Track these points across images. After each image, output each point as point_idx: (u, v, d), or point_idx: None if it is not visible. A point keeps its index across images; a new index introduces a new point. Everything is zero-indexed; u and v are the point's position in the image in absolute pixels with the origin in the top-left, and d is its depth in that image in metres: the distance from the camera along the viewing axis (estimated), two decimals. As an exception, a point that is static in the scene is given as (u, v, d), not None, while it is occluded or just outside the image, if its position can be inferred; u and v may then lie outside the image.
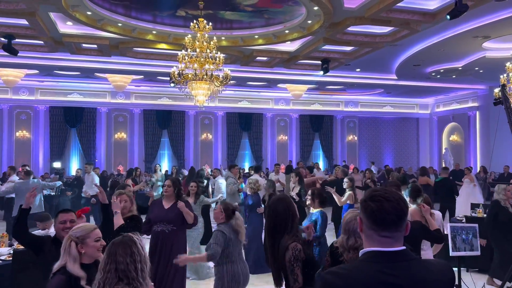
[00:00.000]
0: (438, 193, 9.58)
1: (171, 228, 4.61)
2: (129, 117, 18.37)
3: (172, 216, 4.61)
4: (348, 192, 7.20)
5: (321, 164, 19.95)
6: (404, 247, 1.57)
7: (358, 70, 14.37)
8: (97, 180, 9.91)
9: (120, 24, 10.15)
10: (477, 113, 18.11)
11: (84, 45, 11.50)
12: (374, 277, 1.49)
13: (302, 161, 19.25)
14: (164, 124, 18.46)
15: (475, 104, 18.24)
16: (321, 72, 12.55)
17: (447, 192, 9.50)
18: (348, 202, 7.15)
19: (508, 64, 10.34)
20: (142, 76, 15.24)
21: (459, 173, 13.26)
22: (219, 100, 17.88)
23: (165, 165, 18.07)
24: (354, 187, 7.41)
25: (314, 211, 4.86)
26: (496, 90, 11.12)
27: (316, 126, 20.32)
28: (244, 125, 19.38)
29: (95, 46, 11.48)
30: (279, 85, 16.94)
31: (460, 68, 13.34)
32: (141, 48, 11.92)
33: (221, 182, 9.35)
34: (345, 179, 7.46)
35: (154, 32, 10.77)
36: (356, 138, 20.94)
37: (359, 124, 21.02)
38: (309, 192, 5.03)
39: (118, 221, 3.70)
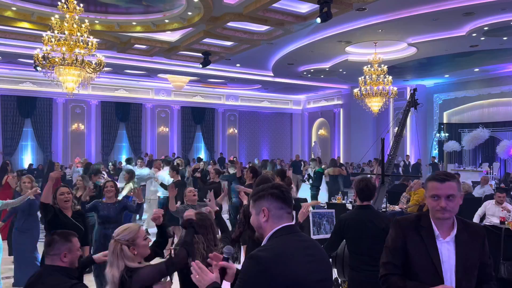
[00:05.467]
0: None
1: None
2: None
3: None
4: (128, 185, 7.27)
5: (203, 155, 20.12)
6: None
7: (238, 65, 14.82)
8: None
9: (-31, -5, 8.75)
10: (341, 110, 20.22)
11: None
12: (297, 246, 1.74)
13: (184, 153, 19.24)
14: (27, 112, 16.52)
15: (340, 102, 20.32)
16: (201, 65, 12.64)
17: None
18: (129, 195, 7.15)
19: (365, 67, 11.77)
20: (0, 57, 13.38)
21: (299, 164, 15.49)
22: (92, 87, 16.67)
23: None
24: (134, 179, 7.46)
25: None
26: (356, 90, 12.54)
27: (198, 119, 20.35)
28: (122, 116, 18.40)
29: None
30: (159, 75, 16.51)
31: (327, 69, 14.71)
32: (-2, 24, 10.47)
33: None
34: (124, 173, 7.85)
35: (14, 8, 9.52)
36: (236, 131, 21.58)
37: (239, 117, 21.71)
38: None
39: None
